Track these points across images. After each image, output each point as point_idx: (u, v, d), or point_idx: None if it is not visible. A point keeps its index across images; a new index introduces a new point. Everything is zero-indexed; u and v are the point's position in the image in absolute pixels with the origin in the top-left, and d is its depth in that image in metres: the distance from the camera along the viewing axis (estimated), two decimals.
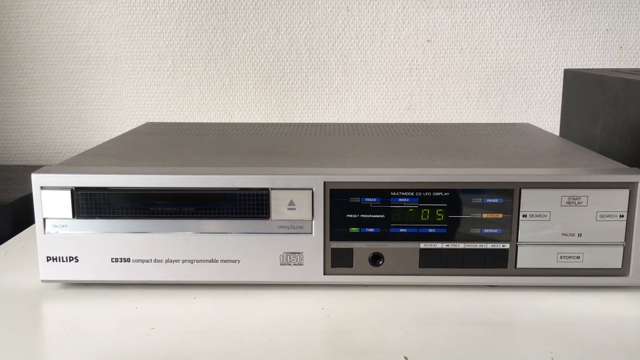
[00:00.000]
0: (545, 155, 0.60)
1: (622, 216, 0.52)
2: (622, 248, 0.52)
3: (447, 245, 0.53)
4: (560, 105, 0.98)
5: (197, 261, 0.53)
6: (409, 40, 1.03)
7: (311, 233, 0.52)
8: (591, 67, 1.03)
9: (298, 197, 0.52)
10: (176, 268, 0.53)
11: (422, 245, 0.53)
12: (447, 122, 1.04)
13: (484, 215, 0.52)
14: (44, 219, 0.52)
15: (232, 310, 0.50)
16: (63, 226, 0.52)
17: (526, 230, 0.52)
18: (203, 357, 0.43)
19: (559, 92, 1.03)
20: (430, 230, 0.53)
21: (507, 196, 0.52)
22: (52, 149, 1.07)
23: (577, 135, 0.81)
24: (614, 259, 0.52)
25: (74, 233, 0.52)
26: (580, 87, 0.81)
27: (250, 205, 0.52)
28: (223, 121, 1.05)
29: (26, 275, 0.56)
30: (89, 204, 0.52)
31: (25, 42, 1.03)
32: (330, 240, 0.53)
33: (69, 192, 0.52)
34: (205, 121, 1.04)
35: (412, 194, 0.52)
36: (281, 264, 0.53)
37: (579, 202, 0.51)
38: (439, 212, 0.52)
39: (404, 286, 0.54)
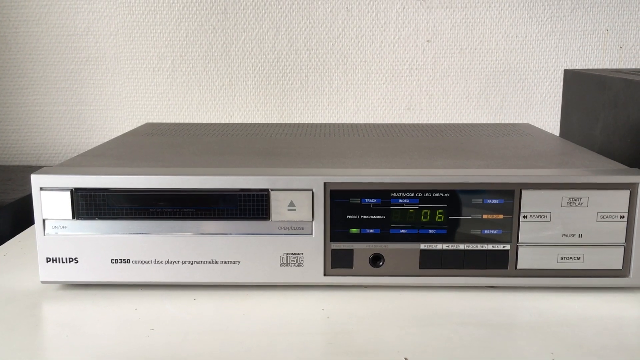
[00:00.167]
0: (545, 156, 0.60)
1: (623, 217, 0.52)
2: (623, 249, 0.52)
3: (448, 246, 0.53)
4: (560, 105, 0.98)
5: (197, 262, 0.53)
6: (409, 40, 1.03)
7: (311, 234, 0.52)
8: (591, 68, 1.03)
9: (298, 198, 0.52)
10: (176, 269, 0.53)
11: (423, 246, 0.53)
12: (447, 122, 1.04)
13: (485, 216, 0.52)
14: (44, 220, 0.52)
15: (232, 311, 0.50)
16: (63, 227, 0.52)
17: (526, 231, 0.52)
18: (203, 358, 0.43)
19: (559, 92, 1.03)
20: (430, 231, 0.52)
21: (508, 197, 0.52)
22: (51, 149, 1.07)
23: (577, 135, 0.81)
24: (614, 260, 0.52)
25: (73, 234, 0.52)
26: (581, 87, 0.81)
27: (250, 206, 0.52)
28: (223, 121, 1.05)
29: (26, 276, 0.56)
30: (89, 204, 0.52)
31: (25, 43, 1.03)
32: (331, 241, 0.53)
33: (68, 193, 0.52)
34: (204, 121, 1.04)
35: (412, 194, 0.52)
36: (281, 265, 0.53)
37: (579, 203, 0.51)
38: (439, 213, 0.52)
39: (404, 287, 0.54)
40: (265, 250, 0.52)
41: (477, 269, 0.53)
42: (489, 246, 0.52)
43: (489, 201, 0.52)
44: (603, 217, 0.52)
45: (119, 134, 0.97)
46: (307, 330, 0.47)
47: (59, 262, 0.52)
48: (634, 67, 1.03)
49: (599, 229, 0.52)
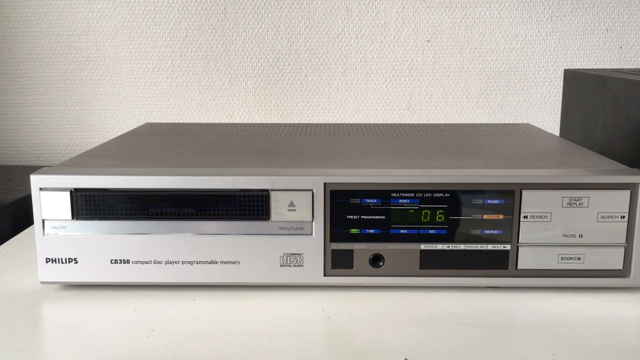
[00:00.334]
0: (545, 156, 0.60)
1: (623, 217, 0.52)
2: (623, 249, 0.52)
3: (448, 247, 0.53)
4: (560, 105, 0.98)
5: (197, 262, 0.52)
6: (409, 40, 1.02)
7: (311, 234, 0.52)
8: (591, 67, 1.03)
9: (298, 198, 0.51)
10: (176, 269, 0.53)
11: (423, 246, 0.53)
12: (447, 122, 1.04)
13: (485, 216, 0.52)
14: (43, 220, 0.52)
15: (232, 312, 0.50)
16: (62, 227, 0.52)
17: (527, 231, 0.52)
18: (203, 359, 0.43)
19: (559, 92, 1.03)
20: (430, 231, 0.52)
21: (508, 197, 0.52)
22: (51, 149, 1.07)
23: (577, 135, 0.81)
24: (615, 260, 0.52)
25: (73, 234, 0.52)
26: (581, 87, 0.81)
27: (250, 207, 0.52)
28: (222, 122, 1.04)
29: (25, 276, 0.56)
30: (88, 205, 0.52)
31: (24, 42, 1.03)
32: (331, 241, 0.53)
33: (68, 194, 0.51)
34: (204, 121, 1.04)
35: (412, 195, 0.52)
36: (281, 265, 0.53)
37: (579, 203, 0.51)
38: (440, 213, 0.52)
39: (404, 287, 0.54)
40: (265, 251, 0.52)
41: (478, 269, 0.53)
42: (490, 246, 0.52)
43: (489, 201, 0.52)
44: (603, 217, 0.52)
45: (119, 134, 0.96)
46: (307, 331, 0.47)
47: (59, 262, 0.52)
48: (634, 67, 1.03)
49: (599, 229, 0.52)
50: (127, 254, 0.52)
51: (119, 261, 0.52)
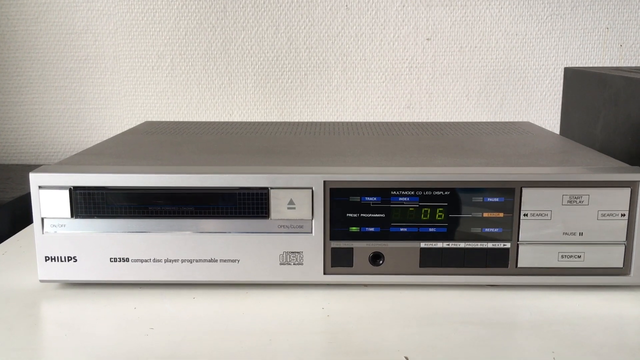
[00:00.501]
0: (546, 154, 0.60)
1: (624, 215, 0.51)
2: (624, 247, 0.52)
3: (448, 245, 0.52)
4: (560, 103, 0.97)
5: (197, 261, 0.52)
6: (409, 38, 1.02)
7: (311, 232, 0.52)
8: (591, 66, 1.03)
9: (298, 196, 0.51)
10: (175, 268, 0.52)
11: (423, 244, 0.53)
12: (447, 120, 1.04)
13: (485, 215, 0.52)
14: (42, 219, 0.52)
15: (231, 310, 0.50)
16: (61, 226, 0.52)
17: (527, 229, 0.52)
18: (202, 358, 0.43)
19: (559, 90, 1.03)
20: (430, 229, 0.52)
21: (508, 195, 0.52)
22: (50, 148, 1.06)
23: (577, 133, 0.81)
24: (615, 258, 0.52)
25: (72, 233, 0.52)
26: (581, 85, 0.81)
27: (249, 205, 0.52)
28: (222, 120, 1.04)
29: (24, 275, 0.56)
30: (88, 203, 0.52)
31: (23, 41, 1.03)
32: (330, 239, 0.52)
33: (67, 192, 0.51)
34: (204, 120, 1.04)
35: (412, 193, 0.52)
36: (281, 264, 0.52)
37: (580, 201, 0.51)
38: (440, 211, 0.52)
39: (404, 286, 0.54)
40: (265, 249, 0.52)
41: (478, 268, 0.53)
42: (490, 244, 0.52)
43: (490, 199, 0.52)
44: (604, 215, 0.51)
45: (118, 132, 0.96)
46: (307, 330, 0.47)
47: (58, 260, 0.52)
48: (634, 65, 1.03)
49: (599, 227, 0.52)
50: (127, 253, 0.52)
51: (118, 259, 0.52)
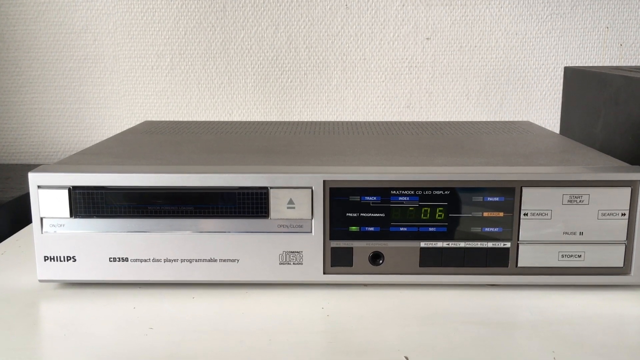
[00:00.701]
0: (546, 154, 0.60)
1: (624, 214, 0.51)
2: (624, 247, 0.52)
3: (448, 244, 0.52)
4: (560, 103, 0.97)
5: (196, 260, 0.52)
6: (408, 38, 1.02)
7: (311, 232, 0.52)
8: (591, 65, 1.03)
9: (297, 195, 0.51)
10: (175, 267, 0.52)
11: (423, 244, 0.52)
12: (447, 120, 1.04)
13: (485, 214, 0.52)
14: (41, 218, 0.52)
15: (231, 310, 0.50)
16: (60, 225, 0.52)
17: (527, 228, 0.52)
18: (202, 358, 0.43)
19: (559, 89, 1.03)
20: (430, 229, 0.52)
21: (508, 194, 0.51)
22: (49, 147, 1.06)
23: (577, 133, 0.81)
24: (615, 257, 0.52)
25: (71, 232, 0.52)
26: (581, 84, 0.81)
27: (249, 204, 0.52)
28: (222, 119, 1.04)
29: (24, 275, 0.56)
30: (87, 203, 0.51)
31: (23, 41, 1.02)
32: (330, 239, 0.52)
33: (66, 191, 0.51)
34: (203, 119, 1.04)
35: (412, 192, 0.52)
36: (280, 263, 0.52)
37: (580, 201, 0.51)
38: (440, 211, 0.52)
39: (404, 285, 0.54)
40: (265, 249, 0.52)
41: (478, 267, 0.53)
42: (490, 244, 0.52)
43: (490, 199, 0.52)
44: (604, 214, 0.51)
45: (118, 132, 0.96)
46: (306, 329, 0.47)
47: (57, 260, 0.52)
48: (634, 64, 1.03)
49: (600, 226, 0.52)
50: (126, 252, 0.52)
51: (117, 259, 0.52)
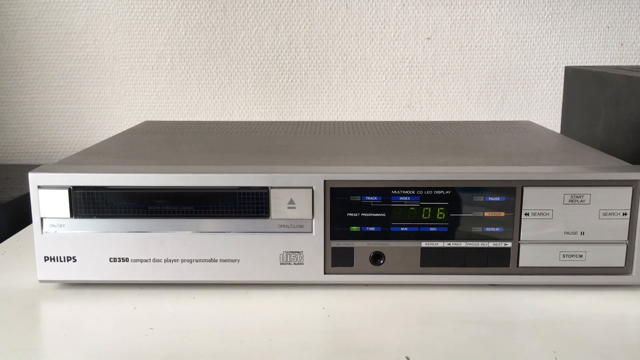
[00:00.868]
0: (547, 153, 0.59)
1: (625, 214, 0.51)
2: (625, 246, 0.52)
3: (449, 244, 0.52)
4: (561, 103, 0.97)
5: (196, 261, 0.52)
6: (409, 37, 1.02)
7: (311, 232, 0.52)
8: (592, 65, 1.02)
9: (298, 195, 0.51)
10: (175, 268, 0.52)
11: (424, 244, 0.52)
12: (448, 120, 1.03)
13: (486, 214, 0.52)
14: (42, 219, 0.52)
15: (231, 310, 0.50)
16: (61, 226, 0.52)
17: (528, 228, 0.52)
18: (202, 358, 0.43)
19: (559, 89, 1.03)
20: (431, 228, 0.52)
21: (509, 194, 0.51)
22: (50, 148, 1.06)
23: (578, 133, 0.81)
24: (617, 257, 0.52)
25: (71, 232, 0.52)
26: (582, 84, 0.81)
27: (249, 204, 0.51)
28: (222, 119, 1.04)
29: (24, 275, 0.56)
30: (87, 203, 0.51)
31: (23, 41, 1.02)
32: (331, 239, 0.52)
33: (66, 192, 0.51)
34: (204, 120, 1.04)
35: (413, 192, 0.52)
36: (281, 264, 0.52)
37: (581, 200, 0.51)
38: (440, 211, 0.52)
39: (405, 285, 0.54)
40: (265, 249, 0.52)
41: (479, 267, 0.52)
42: (491, 244, 0.52)
43: (491, 199, 0.51)
44: (605, 214, 0.51)
45: (118, 132, 0.96)
46: (307, 329, 0.47)
47: (57, 260, 0.52)
48: (635, 64, 1.03)
49: (601, 226, 0.51)
50: (126, 252, 0.52)
51: (117, 259, 0.52)
